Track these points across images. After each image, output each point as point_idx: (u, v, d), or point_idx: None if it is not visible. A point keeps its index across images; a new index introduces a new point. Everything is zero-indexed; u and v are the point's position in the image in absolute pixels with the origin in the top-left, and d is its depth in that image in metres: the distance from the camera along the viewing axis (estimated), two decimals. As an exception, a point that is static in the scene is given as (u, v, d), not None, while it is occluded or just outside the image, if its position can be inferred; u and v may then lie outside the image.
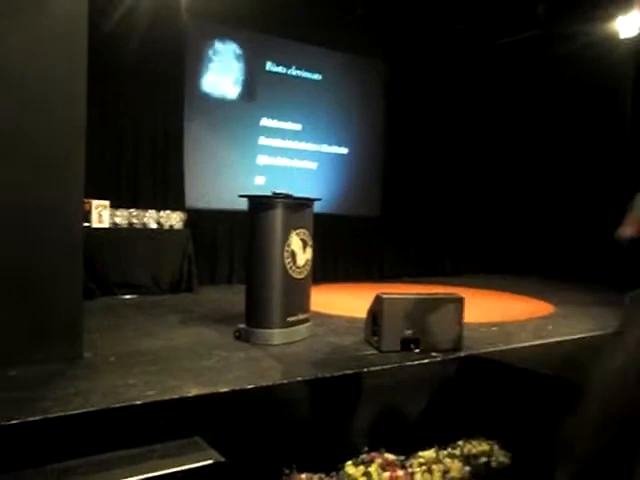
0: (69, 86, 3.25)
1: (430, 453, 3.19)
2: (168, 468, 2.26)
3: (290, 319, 4.00)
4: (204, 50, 7.34)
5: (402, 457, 3.11)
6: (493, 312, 5.65)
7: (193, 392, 2.74)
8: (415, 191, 9.11)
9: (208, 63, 7.38)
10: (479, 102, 9.56)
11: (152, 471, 2.22)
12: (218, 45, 7.43)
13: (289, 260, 3.98)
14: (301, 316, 4.12)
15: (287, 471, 2.78)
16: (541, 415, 3.17)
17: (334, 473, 2.91)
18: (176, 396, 2.68)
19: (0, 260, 3.04)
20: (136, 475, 2.18)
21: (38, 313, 3.15)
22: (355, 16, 8.01)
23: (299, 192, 4.18)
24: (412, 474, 3.00)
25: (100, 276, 5.79)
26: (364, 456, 3.02)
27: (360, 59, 8.63)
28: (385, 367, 3.40)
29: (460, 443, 3.31)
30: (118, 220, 6.24)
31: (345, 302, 6.26)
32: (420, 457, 3.15)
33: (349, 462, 2.98)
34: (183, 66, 7.09)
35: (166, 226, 6.52)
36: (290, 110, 8.03)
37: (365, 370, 3.31)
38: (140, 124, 6.83)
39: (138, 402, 2.57)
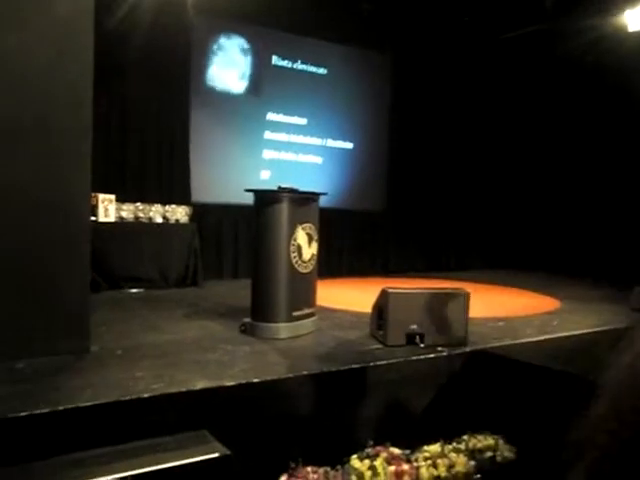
0: (76, 82, 3.26)
1: (435, 447, 3.20)
2: (175, 461, 2.27)
3: (296, 313, 4.01)
4: (210, 45, 7.33)
5: (407, 451, 3.11)
6: (498, 307, 5.65)
7: (200, 385, 2.75)
8: (420, 186, 9.10)
9: (214, 58, 7.38)
10: (485, 96, 9.52)
11: (159, 464, 2.24)
12: (224, 40, 7.42)
13: (295, 254, 3.98)
14: (306, 310, 4.13)
15: (293, 464, 2.79)
16: (546, 410, 3.18)
17: (339, 467, 2.92)
18: (183, 389, 2.70)
19: (8, 254, 3.06)
20: (143, 467, 2.20)
21: (45, 306, 3.17)
22: (360, 10, 7.99)
23: (304, 186, 4.18)
24: (417, 468, 3.00)
25: (106, 270, 5.81)
26: (369, 450, 3.02)
27: (365, 53, 8.60)
28: (391, 362, 3.41)
29: (465, 438, 3.31)
30: (124, 214, 6.26)
31: (350, 297, 6.27)
32: (425, 451, 3.16)
33: (354, 456, 2.98)
34: (189, 61, 7.09)
35: (172, 220, 6.53)
36: (295, 104, 8.02)
37: (371, 364, 3.32)
38: (146, 119, 6.83)
39: (146, 395, 2.59)
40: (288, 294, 3.96)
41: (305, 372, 3.11)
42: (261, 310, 3.99)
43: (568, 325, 4.77)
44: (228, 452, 2.38)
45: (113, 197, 6.13)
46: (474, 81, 9.38)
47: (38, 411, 2.32)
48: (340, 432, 3.12)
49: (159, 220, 6.47)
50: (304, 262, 4.07)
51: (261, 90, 7.73)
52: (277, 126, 7.90)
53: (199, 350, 3.49)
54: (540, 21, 8.09)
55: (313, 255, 4.17)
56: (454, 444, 3.26)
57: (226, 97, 7.48)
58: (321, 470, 2.83)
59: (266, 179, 7.61)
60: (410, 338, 3.74)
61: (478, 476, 3.14)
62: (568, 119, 9.08)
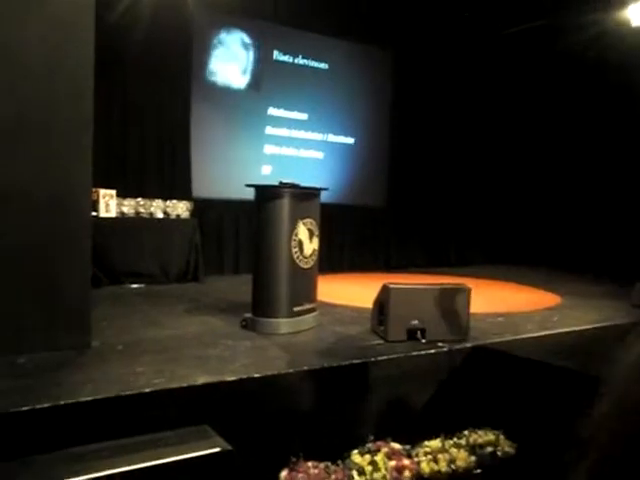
0: (77, 76, 3.25)
1: (436, 443, 3.20)
2: (176, 456, 2.28)
3: (296, 309, 4.01)
4: (211, 39, 7.31)
5: (408, 446, 3.12)
6: (499, 302, 5.65)
7: (201, 380, 2.75)
8: (421, 181, 9.08)
9: (215, 52, 7.35)
10: (486, 92, 9.49)
11: (160, 458, 2.24)
12: (225, 34, 7.40)
13: (296, 250, 3.98)
14: (307, 306, 4.13)
15: (294, 459, 2.80)
16: (547, 405, 3.18)
17: (340, 462, 2.92)
18: (184, 384, 2.70)
19: (9, 249, 3.06)
20: (144, 462, 2.20)
21: (46, 302, 3.17)
22: (362, 5, 7.96)
23: (305, 182, 4.18)
24: (418, 463, 3.01)
25: (107, 265, 5.81)
26: (370, 445, 3.03)
27: (367, 48, 8.57)
28: (391, 357, 3.41)
29: (466, 433, 3.32)
30: (125, 209, 6.25)
31: (351, 292, 6.27)
32: (426, 446, 3.16)
33: (355, 451, 2.99)
34: (190, 55, 7.07)
35: (173, 215, 6.53)
36: (297, 99, 8.00)
37: (371, 360, 3.32)
38: (147, 114, 6.82)
39: (147, 390, 2.59)
40: (289, 289, 3.96)
41: (306, 367, 3.11)
42: (262, 305, 3.99)
43: (569, 321, 4.77)
44: (229, 447, 2.39)
45: (114, 192, 6.12)
46: (475, 77, 9.35)
47: (39, 406, 2.32)
48: (341, 427, 3.12)
49: (160, 215, 6.46)
50: (305, 257, 4.07)
51: (262, 85, 7.71)
52: (278, 121, 7.88)
53: (200, 345, 3.49)
54: (542, 16, 8.06)
55: (314, 250, 4.17)
56: (455, 439, 3.27)
57: (227, 92, 7.46)
58: (322, 465, 2.83)
59: (267, 174, 7.60)
60: (411, 333, 3.74)
61: (479, 471, 3.14)
62: (570, 115, 9.06)
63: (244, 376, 2.87)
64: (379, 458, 2.92)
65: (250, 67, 7.63)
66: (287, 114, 7.94)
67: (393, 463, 2.92)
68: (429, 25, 8.71)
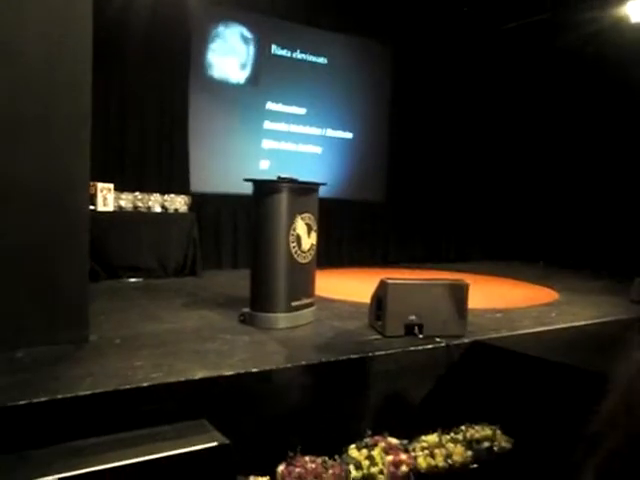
0: (75, 71, 3.24)
1: (433, 437, 3.22)
2: (174, 450, 2.28)
3: (294, 303, 4.01)
4: (209, 33, 7.28)
5: (405, 441, 3.13)
6: (497, 298, 5.66)
7: (199, 375, 2.75)
8: (420, 176, 9.08)
9: (213, 46, 7.33)
10: (484, 87, 9.48)
11: (158, 452, 2.25)
12: (223, 28, 7.37)
13: (294, 245, 3.98)
14: (305, 300, 4.13)
15: (291, 454, 2.81)
16: (544, 401, 3.19)
17: (337, 456, 2.93)
18: (182, 379, 2.70)
19: (7, 244, 3.05)
20: (141, 456, 2.20)
21: (44, 296, 3.17)
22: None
23: (304, 176, 4.17)
24: (415, 458, 3.02)
25: (105, 259, 5.81)
26: (367, 440, 3.04)
27: (365, 42, 8.55)
28: (389, 352, 3.41)
29: (463, 428, 3.33)
30: (123, 203, 6.25)
31: (349, 287, 6.27)
32: (423, 441, 3.18)
33: (352, 445, 3.00)
34: (189, 50, 7.05)
35: (171, 210, 6.52)
36: (295, 94, 7.98)
37: (369, 355, 3.33)
38: (145, 108, 6.80)
39: (145, 384, 2.59)
40: (287, 284, 3.96)
41: (304, 362, 3.12)
42: (260, 300, 3.99)
43: (567, 317, 4.78)
44: (227, 441, 2.39)
45: (112, 186, 6.11)
46: (474, 72, 9.34)
47: (37, 400, 2.32)
48: (338, 422, 3.13)
49: (158, 209, 6.46)
50: (303, 252, 4.07)
51: (260, 79, 7.68)
52: (276, 116, 7.86)
53: (198, 340, 3.49)
54: (541, 11, 8.04)
55: (312, 245, 4.17)
56: (452, 434, 3.28)
57: (225, 86, 7.44)
58: (319, 459, 2.84)
59: (265, 169, 7.59)
60: (409, 329, 3.75)
61: (475, 466, 3.16)
62: (568, 110, 9.05)
63: (242, 371, 2.88)
64: (376, 453, 2.93)
65: (248, 61, 7.60)
66: (285, 109, 7.92)
67: (390, 458, 2.93)
68: (428, 19, 8.69)
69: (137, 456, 2.20)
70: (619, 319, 4.75)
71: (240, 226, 7.37)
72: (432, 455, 3.08)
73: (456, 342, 3.71)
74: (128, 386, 2.56)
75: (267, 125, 7.80)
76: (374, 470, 2.86)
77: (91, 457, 2.16)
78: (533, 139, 9.57)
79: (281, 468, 2.76)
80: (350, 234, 8.51)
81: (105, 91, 6.20)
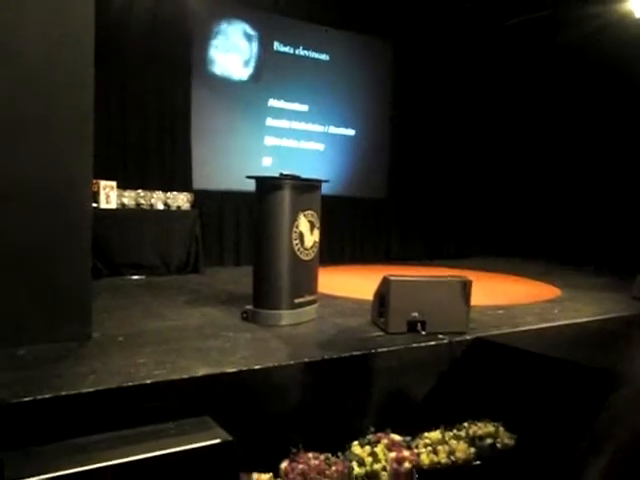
0: (77, 69, 3.23)
1: (436, 434, 3.22)
2: (177, 447, 2.28)
3: (297, 300, 4.01)
4: (212, 30, 7.28)
5: (408, 438, 3.13)
6: (500, 295, 5.65)
7: (201, 372, 2.76)
8: (422, 173, 9.07)
9: (216, 43, 7.32)
10: (486, 84, 9.47)
11: (161, 449, 2.25)
12: (226, 25, 7.37)
13: (297, 242, 3.98)
14: (308, 297, 4.13)
15: (294, 450, 2.81)
16: (547, 398, 3.19)
17: (340, 453, 2.94)
18: (185, 376, 2.70)
19: (9, 241, 3.06)
20: (145, 453, 2.21)
21: (47, 293, 3.17)
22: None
23: (306, 173, 4.16)
24: (418, 454, 3.02)
25: (107, 256, 5.82)
26: (370, 436, 3.04)
27: (367, 39, 8.54)
28: (392, 349, 3.41)
29: (466, 425, 3.33)
30: (125, 201, 6.25)
31: (351, 284, 6.27)
32: (426, 438, 3.18)
33: (355, 442, 3.00)
34: (191, 47, 7.05)
35: (173, 207, 6.53)
36: (297, 91, 7.97)
37: (372, 352, 3.33)
38: (147, 105, 6.80)
39: (148, 381, 2.60)
40: (290, 281, 3.96)
41: (306, 359, 3.12)
42: (263, 297, 3.99)
43: (569, 313, 4.77)
44: (230, 438, 2.39)
45: (114, 184, 6.12)
46: (476, 68, 9.32)
47: (41, 397, 2.33)
48: (341, 418, 3.13)
49: (160, 207, 6.46)
50: (306, 249, 4.06)
51: (262, 76, 7.68)
52: (279, 112, 7.86)
53: (201, 337, 3.49)
54: (543, 8, 8.01)
55: (315, 242, 4.17)
56: (454, 431, 3.28)
57: (227, 83, 7.44)
58: (322, 456, 2.84)
59: (268, 166, 7.59)
60: (411, 325, 3.74)
61: (478, 463, 3.16)
62: (570, 107, 9.03)
63: (245, 368, 2.88)
64: (379, 449, 2.94)
65: (251, 58, 7.60)
66: (288, 105, 7.92)
67: (393, 454, 2.93)
68: (430, 16, 8.67)
69: (140, 453, 2.21)
70: (621, 316, 4.74)
71: (242, 223, 7.37)
72: (435, 452, 3.08)
73: (458, 339, 3.71)
74: (131, 383, 2.56)
75: (269, 122, 7.79)
76: (377, 467, 2.87)
77: (95, 454, 2.17)
78: (535, 136, 9.55)
79: (284, 465, 2.77)
80: (352, 231, 8.51)
81: (107, 89, 6.20)
